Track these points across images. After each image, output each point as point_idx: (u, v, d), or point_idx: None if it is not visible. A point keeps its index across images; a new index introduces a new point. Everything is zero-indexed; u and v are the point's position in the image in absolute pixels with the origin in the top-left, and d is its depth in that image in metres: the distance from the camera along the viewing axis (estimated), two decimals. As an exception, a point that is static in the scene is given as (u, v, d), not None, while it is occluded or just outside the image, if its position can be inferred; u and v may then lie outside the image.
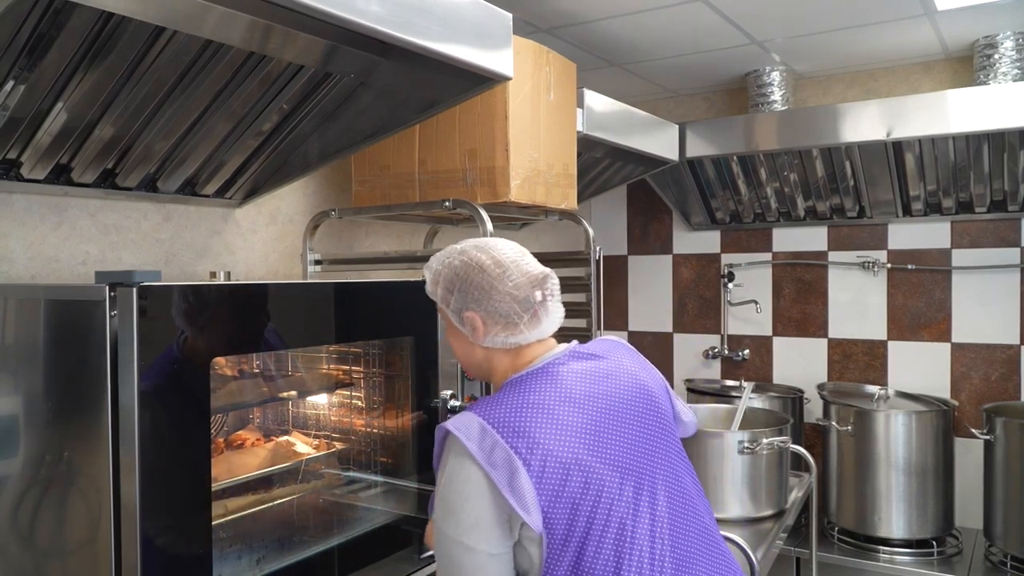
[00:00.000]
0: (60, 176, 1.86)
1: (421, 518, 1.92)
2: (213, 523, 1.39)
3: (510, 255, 1.56)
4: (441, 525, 1.37)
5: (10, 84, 1.51)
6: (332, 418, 2.06)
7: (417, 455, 1.94)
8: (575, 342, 1.62)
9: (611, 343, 1.67)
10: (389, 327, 1.89)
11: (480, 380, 1.76)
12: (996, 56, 3.15)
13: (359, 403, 2.03)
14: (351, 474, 2.01)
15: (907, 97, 3.18)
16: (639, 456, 1.46)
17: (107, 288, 1.24)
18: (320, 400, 2.08)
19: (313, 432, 2.05)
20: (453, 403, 1.95)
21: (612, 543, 1.36)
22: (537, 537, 1.35)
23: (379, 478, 2.00)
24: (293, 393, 2.05)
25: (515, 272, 1.53)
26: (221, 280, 1.79)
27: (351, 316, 1.75)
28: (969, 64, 3.39)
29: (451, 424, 1.39)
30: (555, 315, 1.57)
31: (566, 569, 1.35)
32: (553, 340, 1.60)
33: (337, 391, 2.05)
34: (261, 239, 2.47)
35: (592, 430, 1.42)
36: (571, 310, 2.91)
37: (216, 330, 1.40)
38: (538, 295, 1.53)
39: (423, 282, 1.60)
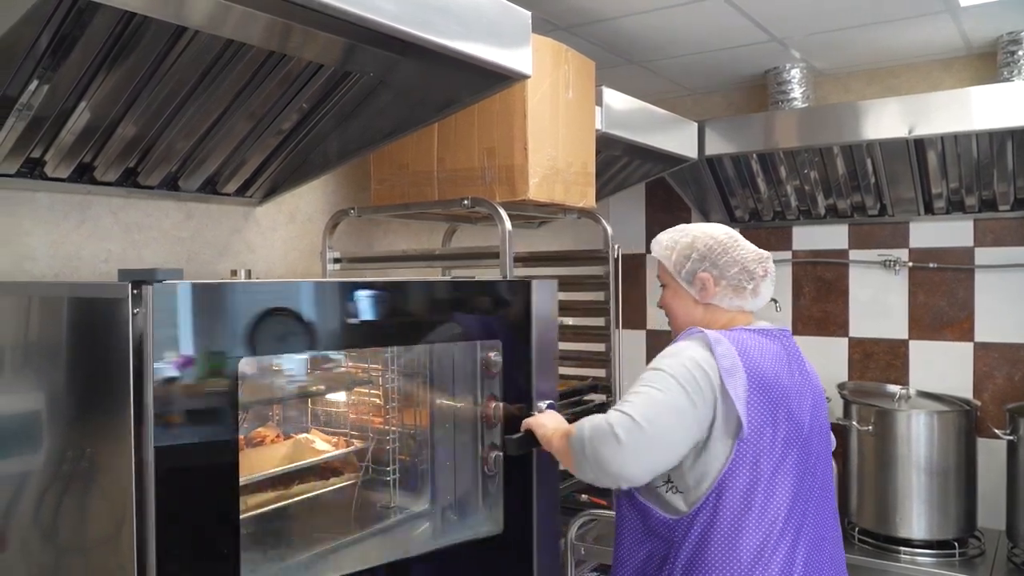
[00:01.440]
0: (83, 175, 1.88)
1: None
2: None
3: (735, 233, 1.96)
4: (663, 364, 1.74)
5: (34, 84, 1.53)
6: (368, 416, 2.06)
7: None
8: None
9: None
10: (474, 330, 1.85)
11: (678, 330, 1.98)
12: (1020, 53, 3.11)
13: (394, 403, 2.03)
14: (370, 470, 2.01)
15: (930, 94, 3.15)
16: (814, 465, 1.85)
17: (129, 286, 1.25)
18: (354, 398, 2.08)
19: (348, 431, 2.06)
20: (551, 410, 1.96)
21: (778, 491, 1.73)
22: (733, 430, 1.69)
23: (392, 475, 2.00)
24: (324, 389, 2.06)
25: (744, 245, 1.93)
26: (242, 278, 1.80)
27: (434, 317, 1.76)
28: (992, 61, 3.35)
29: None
30: (767, 294, 1.94)
31: (744, 480, 1.70)
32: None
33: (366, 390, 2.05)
34: (281, 237, 2.48)
35: (791, 392, 1.80)
36: (589, 308, 2.91)
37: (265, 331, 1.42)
38: (760, 270, 1.91)
39: (515, 282, 1.92)
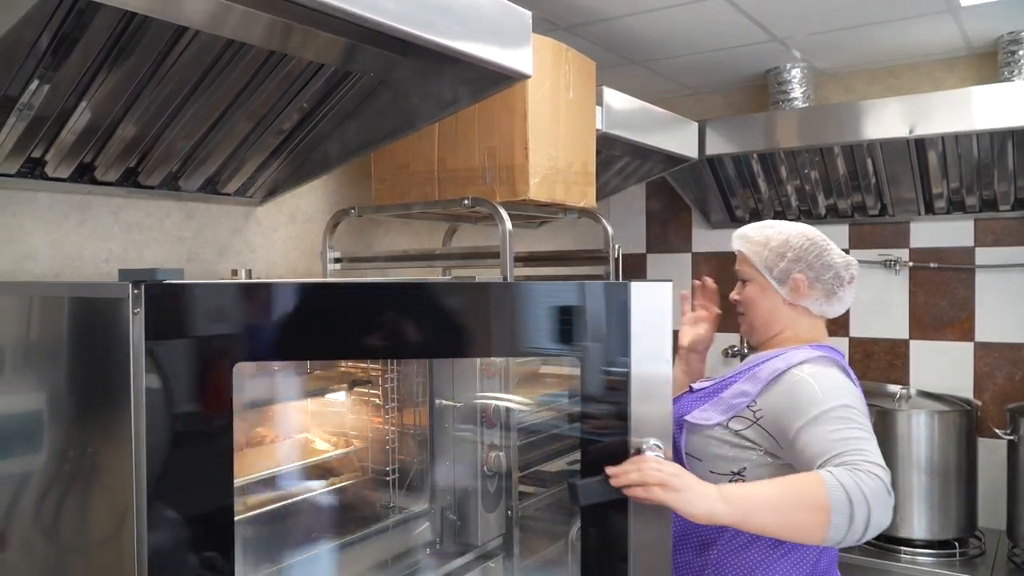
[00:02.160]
0: (84, 175, 1.88)
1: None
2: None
3: (824, 235, 1.88)
4: (847, 400, 1.65)
5: (35, 84, 1.53)
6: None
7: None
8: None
9: None
10: (545, 341, 1.52)
11: (759, 338, 1.94)
12: (1021, 52, 3.11)
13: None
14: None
15: (930, 94, 3.15)
16: None
17: (130, 286, 1.25)
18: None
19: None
20: (656, 451, 1.46)
21: None
22: None
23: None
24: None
25: (834, 249, 1.86)
26: (242, 278, 1.80)
27: (491, 326, 1.49)
28: (993, 60, 3.35)
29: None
30: (850, 300, 1.89)
31: None
32: None
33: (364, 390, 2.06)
34: (281, 237, 2.48)
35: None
36: (590, 308, 2.91)
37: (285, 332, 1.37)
38: (847, 276, 1.85)
39: (610, 284, 1.61)
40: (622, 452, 1.45)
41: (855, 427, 1.56)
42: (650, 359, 1.48)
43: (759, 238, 1.90)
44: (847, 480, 1.42)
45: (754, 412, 1.74)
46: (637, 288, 1.50)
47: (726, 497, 1.45)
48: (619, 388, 1.47)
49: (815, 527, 1.41)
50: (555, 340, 1.49)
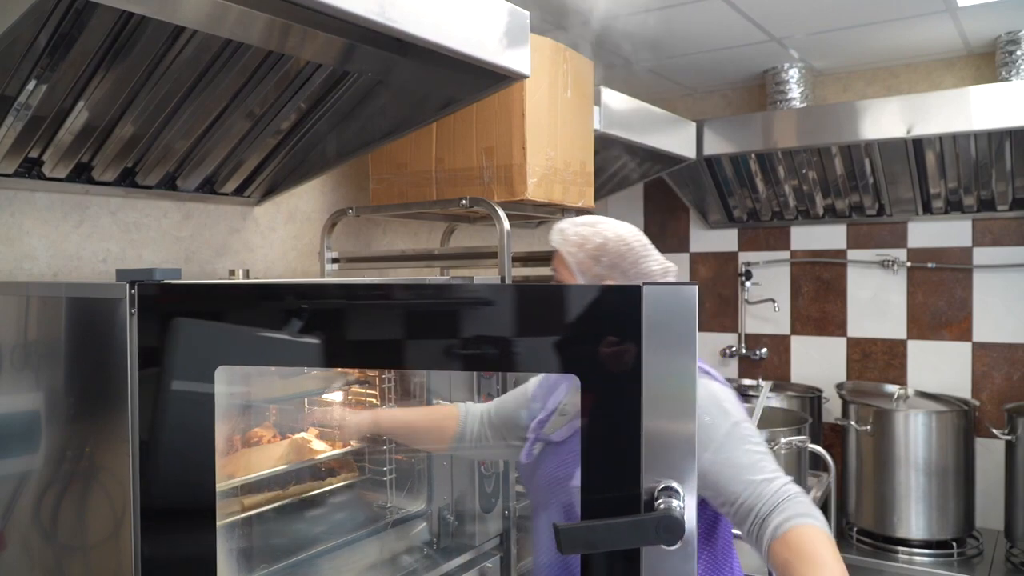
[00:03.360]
0: (81, 175, 1.88)
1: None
2: (229, 520, 1.40)
3: (647, 241, 1.74)
4: (739, 427, 1.55)
5: (32, 83, 1.53)
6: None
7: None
8: None
9: None
10: (536, 356, 1.31)
11: None
12: (1019, 52, 3.11)
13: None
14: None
15: (928, 94, 3.15)
16: None
17: (127, 286, 1.25)
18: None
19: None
20: (676, 502, 1.16)
21: None
22: None
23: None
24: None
25: (653, 256, 1.72)
26: (240, 278, 1.80)
27: (473, 334, 1.30)
28: (991, 60, 3.36)
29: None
30: None
31: None
32: None
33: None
34: (280, 237, 2.48)
35: None
36: (588, 308, 2.91)
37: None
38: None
39: (611, 288, 1.35)
40: (632, 497, 1.19)
41: (763, 449, 1.57)
42: (667, 381, 1.20)
43: (575, 237, 1.72)
44: (817, 523, 1.45)
45: None
46: (651, 293, 1.20)
47: None
48: (627, 418, 1.21)
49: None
50: (545, 355, 1.29)
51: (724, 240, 4.17)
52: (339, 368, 1.76)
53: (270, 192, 2.33)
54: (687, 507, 1.16)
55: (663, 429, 1.19)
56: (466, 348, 1.29)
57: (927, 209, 3.59)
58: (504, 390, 1.92)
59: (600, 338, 1.22)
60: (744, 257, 4.11)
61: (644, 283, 1.21)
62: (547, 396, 1.83)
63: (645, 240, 1.74)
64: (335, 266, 2.50)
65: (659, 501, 1.16)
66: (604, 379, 1.21)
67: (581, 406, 1.23)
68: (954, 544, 3.15)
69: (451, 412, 1.88)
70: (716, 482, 1.52)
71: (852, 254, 3.85)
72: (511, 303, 1.28)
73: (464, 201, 2.20)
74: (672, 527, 1.12)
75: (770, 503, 1.48)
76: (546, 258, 2.98)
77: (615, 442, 1.22)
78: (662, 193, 4.26)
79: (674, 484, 1.17)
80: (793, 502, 1.46)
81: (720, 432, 1.54)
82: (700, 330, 4.12)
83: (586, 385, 1.22)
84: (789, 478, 1.51)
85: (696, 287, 1.22)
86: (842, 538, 3.33)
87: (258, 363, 1.40)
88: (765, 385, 3.33)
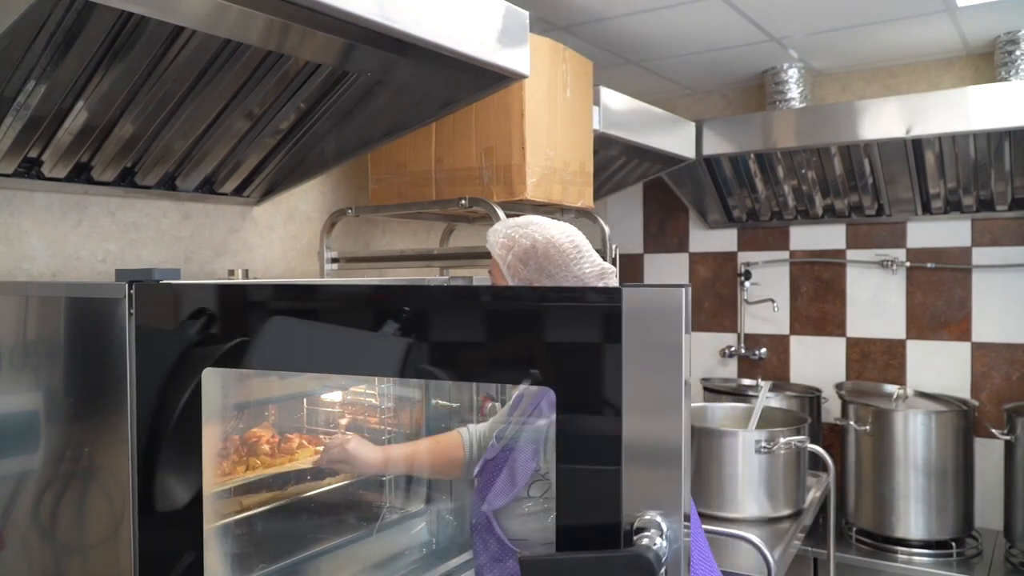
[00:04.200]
0: (80, 174, 1.88)
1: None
2: (228, 520, 1.40)
3: (583, 242, 1.65)
4: None
5: (32, 83, 1.53)
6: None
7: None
8: None
9: None
10: (505, 366, 1.19)
11: None
12: (1018, 52, 3.11)
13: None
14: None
15: (927, 94, 3.15)
16: None
17: (126, 286, 1.25)
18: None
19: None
20: (658, 540, 1.01)
21: None
22: None
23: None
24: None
25: (588, 259, 1.63)
26: (239, 278, 1.80)
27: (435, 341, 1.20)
28: (990, 60, 3.36)
29: None
30: None
31: None
32: None
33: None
34: (279, 237, 2.48)
35: None
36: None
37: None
38: (600, 286, 1.62)
39: (593, 291, 1.22)
40: (611, 530, 1.04)
41: None
42: (652, 397, 1.05)
43: (504, 239, 1.66)
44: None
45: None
46: (632, 296, 1.04)
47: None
48: (606, 439, 1.06)
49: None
50: (513, 365, 1.15)
51: (723, 240, 4.17)
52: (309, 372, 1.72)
53: (269, 192, 2.33)
54: (672, 542, 1.01)
55: (647, 452, 1.04)
56: (419, 356, 1.17)
57: (926, 209, 3.59)
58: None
59: (574, 346, 1.09)
60: (743, 257, 4.11)
61: (624, 285, 1.05)
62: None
63: (580, 241, 1.65)
64: (334, 266, 2.50)
65: (640, 535, 1.02)
66: (579, 393, 1.08)
67: (556, 422, 1.08)
68: (953, 544, 3.15)
69: (454, 441, 1.83)
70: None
71: (851, 254, 3.85)
72: (473, 305, 1.17)
73: (463, 201, 2.20)
74: (641, 567, 0.97)
75: None
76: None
77: (592, 466, 1.08)
78: (661, 193, 4.26)
79: (658, 517, 1.03)
80: None
81: None
82: (700, 330, 4.13)
83: (560, 399, 1.08)
84: None
85: (684, 289, 1.05)
86: (841, 538, 3.33)
87: (249, 367, 1.34)
88: (764, 385, 3.33)
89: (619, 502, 1.04)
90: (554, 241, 1.62)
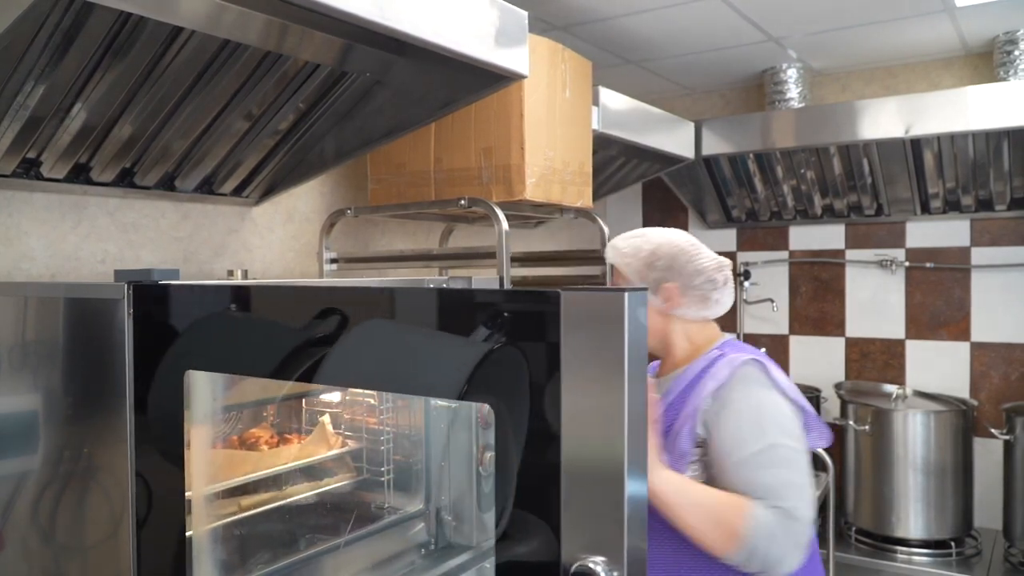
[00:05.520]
0: (79, 175, 1.88)
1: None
2: (226, 520, 1.40)
3: (695, 240, 1.84)
4: (773, 450, 1.57)
5: (31, 84, 1.53)
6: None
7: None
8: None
9: None
10: (438, 378, 1.04)
11: (655, 356, 1.89)
12: (1016, 53, 3.11)
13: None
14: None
15: (926, 94, 3.15)
16: None
17: (125, 286, 1.25)
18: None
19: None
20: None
21: None
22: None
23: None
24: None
25: (705, 254, 1.81)
26: (238, 278, 1.80)
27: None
28: (989, 60, 3.36)
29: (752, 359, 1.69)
30: (728, 302, 1.84)
31: None
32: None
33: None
34: (278, 237, 2.48)
35: None
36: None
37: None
38: (720, 278, 1.80)
39: (518, 292, 1.06)
40: (549, 570, 0.90)
41: (793, 471, 1.58)
42: (597, 420, 0.87)
43: (629, 250, 1.84)
44: (770, 526, 1.50)
45: (701, 453, 1.68)
46: (571, 300, 0.89)
47: (666, 477, 1.58)
48: (544, 470, 0.89)
49: (718, 545, 1.53)
50: (443, 376, 1.00)
51: (723, 240, 4.17)
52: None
53: (268, 192, 2.33)
54: None
55: (589, 488, 0.87)
56: (334, 362, 1.06)
57: (925, 209, 3.60)
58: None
59: (505, 357, 0.92)
60: (743, 257, 4.11)
61: (563, 288, 0.90)
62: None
63: (693, 239, 1.84)
64: (334, 266, 2.50)
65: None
66: (514, 409, 0.91)
67: (495, 447, 0.93)
68: (952, 544, 3.15)
69: (742, 507, 1.56)
70: (731, 486, 1.58)
71: (850, 254, 3.85)
72: (411, 308, 1.03)
73: (463, 201, 2.20)
74: None
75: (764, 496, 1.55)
76: (544, 258, 2.99)
77: (530, 500, 0.92)
78: (661, 193, 4.26)
79: (598, 563, 0.86)
80: (781, 502, 1.53)
81: (748, 450, 1.58)
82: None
83: (498, 418, 0.93)
84: (803, 498, 1.54)
85: (644, 292, 0.92)
86: (841, 538, 3.33)
87: (228, 370, 1.29)
88: (764, 385, 3.33)
89: (558, 542, 0.89)
90: (673, 241, 1.81)
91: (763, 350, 1.82)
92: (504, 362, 0.93)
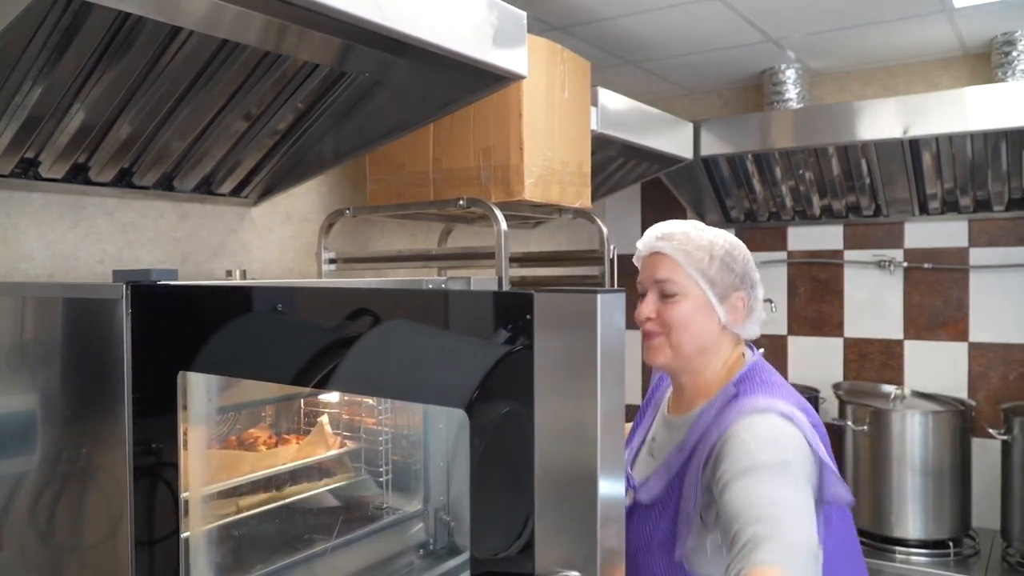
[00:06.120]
0: (78, 175, 1.88)
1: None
2: (225, 521, 1.40)
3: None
4: (775, 477, 1.33)
5: (29, 84, 1.53)
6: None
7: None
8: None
9: None
10: (418, 386, 1.04)
11: (684, 358, 1.58)
12: (1015, 53, 3.12)
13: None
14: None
15: (925, 95, 3.15)
16: None
17: (124, 286, 1.25)
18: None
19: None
20: None
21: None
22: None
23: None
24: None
25: (752, 261, 1.61)
26: (237, 279, 1.80)
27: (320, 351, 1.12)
28: (987, 61, 3.36)
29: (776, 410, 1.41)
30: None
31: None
32: None
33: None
34: (277, 238, 2.48)
35: None
36: (585, 309, 2.91)
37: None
38: (763, 293, 1.64)
39: (480, 294, 1.06)
40: None
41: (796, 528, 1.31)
42: (571, 431, 0.84)
43: (701, 241, 1.53)
44: None
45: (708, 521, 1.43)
46: (545, 303, 0.86)
47: None
48: (517, 479, 0.86)
49: None
50: (399, 379, 0.99)
51: (721, 240, 4.16)
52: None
53: (267, 193, 2.33)
54: None
55: (563, 497, 0.84)
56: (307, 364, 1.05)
57: (923, 210, 3.60)
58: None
59: (477, 363, 0.89)
60: (741, 257, 4.11)
61: (536, 290, 0.86)
62: (641, 414, 1.69)
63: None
64: (332, 267, 2.50)
65: None
66: (487, 414, 0.88)
67: (469, 454, 0.88)
68: (951, 544, 3.15)
69: None
70: (720, 512, 1.35)
71: (849, 254, 3.85)
72: (385, 309, 1.01)
73: (461, 201, 2.20)
74: None
75: (739, 554, 1.27)
76: (543, 258, 2.99)
77: (502, 510, 0.89)
78: (660, 194, 4.26)
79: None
80: (757, 550, 1.24)
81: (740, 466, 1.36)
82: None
83: (473, 426, 0.90)
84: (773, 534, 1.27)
85: (621, 294, 0.88)
86: (839, 538, 3.32)
87: (227, 372, 1.29)
88: (762, 385, 3.33)
89: (532, 553, 0.86)
90: (743, 246, 1.62)
91: (762, 351, 1.70)
92: (468, 362, 0.90)
